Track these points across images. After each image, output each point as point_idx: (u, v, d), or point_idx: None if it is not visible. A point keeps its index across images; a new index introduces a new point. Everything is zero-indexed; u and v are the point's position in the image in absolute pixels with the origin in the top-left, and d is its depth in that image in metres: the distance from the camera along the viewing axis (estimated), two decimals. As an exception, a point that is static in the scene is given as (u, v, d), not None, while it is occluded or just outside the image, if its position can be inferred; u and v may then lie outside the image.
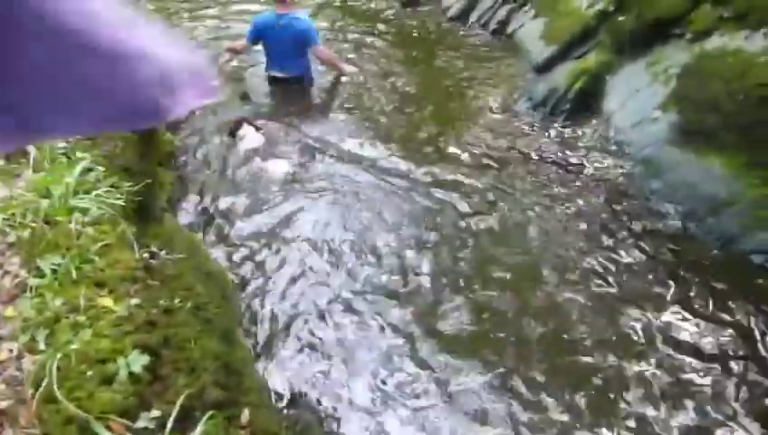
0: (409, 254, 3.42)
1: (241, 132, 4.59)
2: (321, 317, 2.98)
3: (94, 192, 2.19)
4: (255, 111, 5.06)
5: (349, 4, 7.35)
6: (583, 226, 3.66)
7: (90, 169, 2.30)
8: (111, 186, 2.35)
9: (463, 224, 3.67)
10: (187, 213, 3.83)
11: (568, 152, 4.39)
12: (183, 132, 4.72)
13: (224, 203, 3.93)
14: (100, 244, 1.97)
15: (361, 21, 6.83)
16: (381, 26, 6.64)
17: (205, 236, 3.60)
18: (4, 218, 2.09)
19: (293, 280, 3.22)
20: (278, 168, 4.27)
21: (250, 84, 5.51)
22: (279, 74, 5.29)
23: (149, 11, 6.05)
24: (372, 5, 7.25)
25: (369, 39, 6.32)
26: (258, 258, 3.40)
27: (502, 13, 6.19)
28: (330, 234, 3.59)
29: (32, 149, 2.47)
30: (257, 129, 4.62)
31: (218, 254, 3.42)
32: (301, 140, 4.61)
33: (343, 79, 5.43)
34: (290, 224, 3.69)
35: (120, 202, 2.25)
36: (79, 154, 2.38)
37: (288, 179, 4.14)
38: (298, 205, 3.86)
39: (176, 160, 4.32)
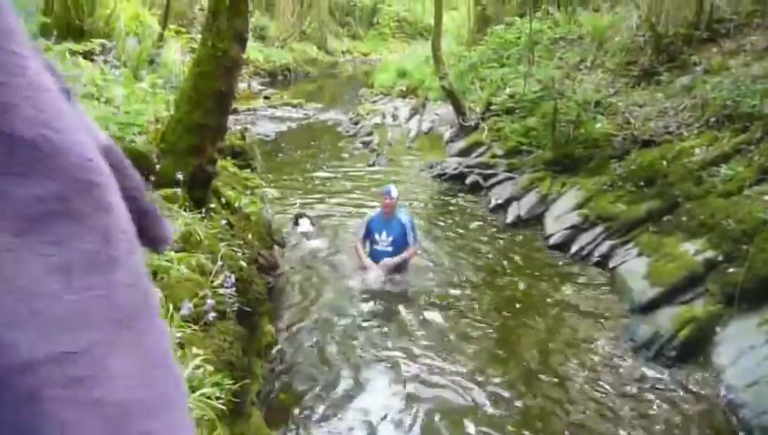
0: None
1: (301, 221, 6.87)
2: None
3: (200, 391, 2.26)
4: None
5: (453, 218, 7.76)
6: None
7: (199, 367, 2.41)
8: (216, 383, 2.42)
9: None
10: (273, 409, 3.84)
11: (675, 405, 4.10)
12: (280, 323, 4.92)
13: (309, 407, 3.92)
14: (195, 448, 1.98)
15: (465, 235, 7.14)
16: (483, 245, 6.88)
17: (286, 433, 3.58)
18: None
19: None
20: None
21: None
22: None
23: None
24: (480, 220, 7.60)
25: (469, 254, 6.55)
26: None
27: (604, 247, 6.27)
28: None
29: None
30: (312, 222, 6.79)
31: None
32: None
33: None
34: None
35: (220, 403, 2.30)
36: (194, 349, 2.50)
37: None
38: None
39: (271, 352, 4.44)
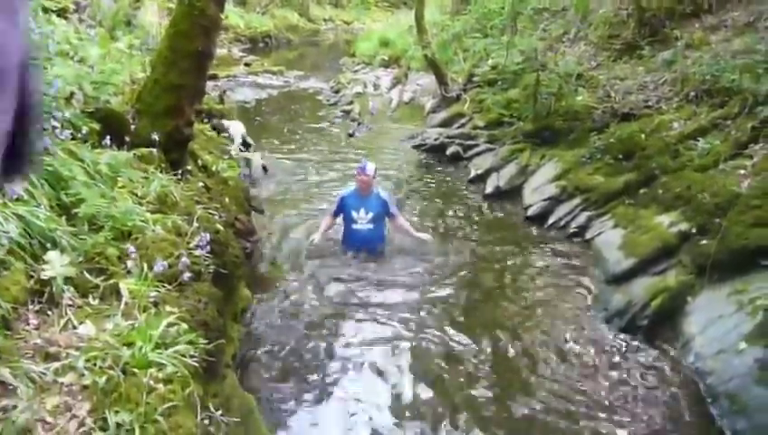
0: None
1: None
2: None
3: (173, 348, 2.25)
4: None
5: (432, 188, 7.76)
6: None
7: (173, 324, 2.39)
8: (189, 341, 2.41)
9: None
10: (249, 372, 3.85)
11: (645, 373, 4.19)
12: (257, 287, 4.92)
13: (288, 365, 3.94)
14: (167, 404, 1.98)
15: (443, 205, 7.15)
16: (461, 216, 6.91)
17: (260, 396, 3.60)
18: (85, 360, 2.15)
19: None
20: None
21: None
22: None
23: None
24: (459, 190, 7.62)
25: (447, 224, 6.57)
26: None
27: (581, 218, 6.32)
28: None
29: (125, 294, 2.61)
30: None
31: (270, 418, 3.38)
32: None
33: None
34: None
35: (194, 361, 2.29)
36: (168, 308, 2.48)
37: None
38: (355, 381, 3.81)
39: (247, 316, 4.44)
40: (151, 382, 2.06)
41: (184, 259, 2.77)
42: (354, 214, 5.57)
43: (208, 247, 3.13)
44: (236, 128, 7.34)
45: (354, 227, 5.60)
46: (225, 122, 7.33)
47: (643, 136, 6.49)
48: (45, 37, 4.92)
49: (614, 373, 4.17)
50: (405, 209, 6.72)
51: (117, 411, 1.91)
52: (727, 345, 4.05)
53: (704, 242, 4.87)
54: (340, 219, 5.75)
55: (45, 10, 6.06)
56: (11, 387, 1.98)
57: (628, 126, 6.85)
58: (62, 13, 6.41)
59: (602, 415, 3.72)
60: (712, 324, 4.30)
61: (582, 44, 9.50)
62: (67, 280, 2.55)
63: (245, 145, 7.41)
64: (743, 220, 4.63)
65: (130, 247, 2.74)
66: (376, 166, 5.83)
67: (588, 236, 6.14)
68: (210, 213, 3.95)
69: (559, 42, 10.00)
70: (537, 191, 7.04)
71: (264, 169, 7.04)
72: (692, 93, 6.66)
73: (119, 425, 1.87)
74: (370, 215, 5.55)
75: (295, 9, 26.67)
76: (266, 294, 4.87)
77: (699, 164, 5.68)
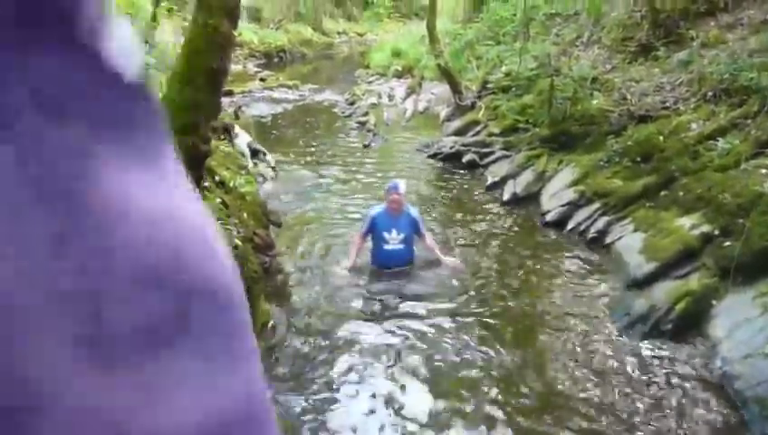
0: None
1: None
2: None
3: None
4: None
5: (449, 197, 7.75)
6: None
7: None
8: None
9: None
10: (270, 386, 3.85)
11: (670, 379, 4.12)
12: (277, 302, 4.93)
13: (308, 379, 3.94)
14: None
15: (460, 214, 7.13)
16: (478, 224, 6.88)
17: (281, 410, 3.60)
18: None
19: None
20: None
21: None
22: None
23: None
24: (476, 198, 7.59)
25: (465, 233, 6.55)
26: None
27: (600, 223, 6.27)
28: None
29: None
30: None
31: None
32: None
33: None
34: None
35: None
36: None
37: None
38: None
39: (268, 330, 4.45)
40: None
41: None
42: (386, 235, 5.40)
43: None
44: (242, 138, 7.41)
45: (386, 247, 5.44)
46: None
47: (661, 138, 6.43)
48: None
49: (638, 379, 4.11)
50: (423, 219, 6.71)
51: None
52: (754, 349, 3.98)
53: (727, 244, 4.80)
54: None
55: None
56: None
57: (646, 128, 6.79)
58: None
59: (629, 421, 3.66)
60: (738, 328, 4.22)
61: (596, 48, 9.45)
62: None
63: (254, 153, 7.47)
64: (766, 220, 4.56)
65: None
66: (404, 181, 5.73)
67: (607, 241, 6.08)
68: (228, 229, 3.98)
69: (572, 46, 9.96)
70: (555, 197, 6.99)
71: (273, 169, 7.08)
72: (710, 93, 6.58)
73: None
74: (402, 235, 5.39)
75: (309, 23, 26.89)
76: (287, 309, 4.88)
77: (719, 164, 5.61)
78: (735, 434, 3.63)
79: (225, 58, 4.28)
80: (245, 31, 21.06)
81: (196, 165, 4.32)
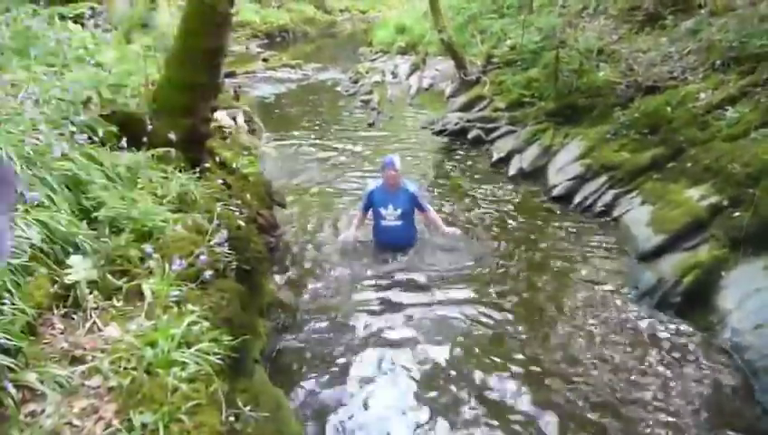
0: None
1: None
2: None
3: (196, 347, 2.25)
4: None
5: (455, 173, 7.68)
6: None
7: (196, 323, 2.39)
8: (213, 339, 2.40)
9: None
10: (278, 366, 3.86)
11: (679, 350, 4.09)
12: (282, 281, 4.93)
13: (317, 359, 3.94)
14: (191, 403, 1.98)
15: (467, 190, 7.08)
16: (485, 200, 6.83)
17: (291, 390, 3.61)
18: (110, 362, 2.17)
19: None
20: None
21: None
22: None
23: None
24: (482, 174, 7.53)
25: (471, 209, 6.50)
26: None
27: (607, 197, 6.19)
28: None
29: (148, 295, 2.62)
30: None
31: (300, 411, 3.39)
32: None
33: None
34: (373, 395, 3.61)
35: (218, 358, 2.29)
36: (189, 306, 2.49)
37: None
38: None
39: (274, 310, 4.44)
40: (175, 382, 2.05)
41: (203, 257, 2.77)
42: (382, 210, 5.41)
43: (226, 243, 3.12)
44: (239, 114, 7.43)
45: (383, 223, 5.46)
46: (229, 111, 7.38)
47: (669, 108, 6.32)
48: (62, 43, 4.97)
49: (648, 351, 4.08)
50: (429, 196, 6.66)
51: (141, 412, 1.91)
52: (765, 319, 3.93)
53: (736, 214, 4.73)
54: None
55: (62, 17, 6.12)
56: (39, 392, 2.00)
57: (653, 99, 6.67)
58: (77, 19, 6.46)
59: (638, 394, 3.64)
60: (748, 298, 4.17)
61: (602, 18, 9.26)
62: (90, 283, 2.57)
63: (252, 131, 7.49)
64: (776, 189, 4.48)
65: (147, 248, 2.74)
66: (399, 156, 5.70)
67: (615, 214, 6.02)
68: (231, 209, 3.95)
69: (578, 17, 9.76)
70: (561, 171, 6.92)
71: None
72: (718, 62, 6.45)
73: (144, 425, 1.87)
74: (398, 211, 5.38)
75: (311, 1, 26.61)
76: (294, 289, 4.87)
77: (728, 134, 5.51)
78: (745, 404, 3.60)
79: (222, 38, 4.21)
80: (247, 11, 20.89)
81: (197, 146, 4.29)
